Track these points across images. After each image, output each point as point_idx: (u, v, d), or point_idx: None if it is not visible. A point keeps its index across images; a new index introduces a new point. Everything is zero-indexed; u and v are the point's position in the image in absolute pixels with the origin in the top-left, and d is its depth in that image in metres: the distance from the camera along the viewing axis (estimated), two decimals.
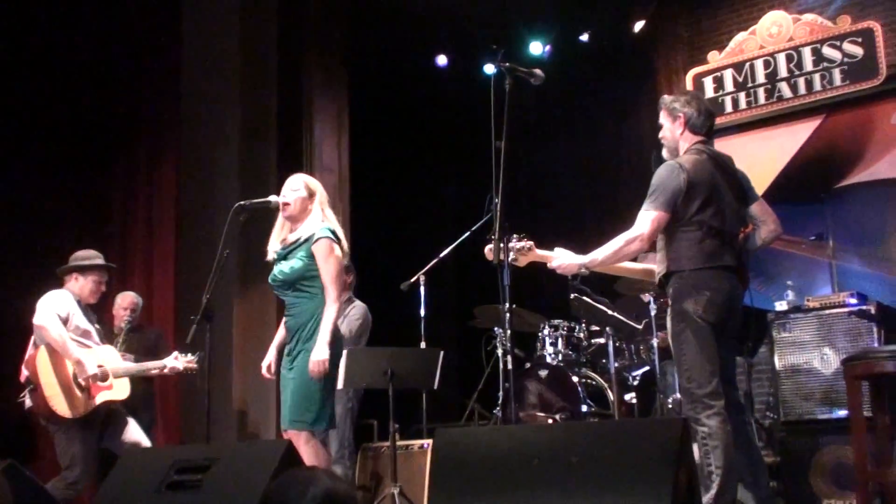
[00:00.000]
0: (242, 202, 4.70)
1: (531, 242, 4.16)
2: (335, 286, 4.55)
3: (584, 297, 5.91)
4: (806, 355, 5.54)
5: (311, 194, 4.71)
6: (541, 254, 4.19)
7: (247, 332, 7.21)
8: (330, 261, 4.54)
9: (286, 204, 4.66)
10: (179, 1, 7.81)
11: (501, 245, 3.88)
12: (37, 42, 7.55)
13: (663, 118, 4.39)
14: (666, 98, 4.49)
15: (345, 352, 5.35)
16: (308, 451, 4.38)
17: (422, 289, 6.18)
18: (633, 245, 4.11)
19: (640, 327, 5.99)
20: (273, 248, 4.74)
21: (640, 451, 2.81)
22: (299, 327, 4.55)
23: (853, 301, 5.45)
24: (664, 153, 4.45)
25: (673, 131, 4.34)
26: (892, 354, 4.46)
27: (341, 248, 4.66)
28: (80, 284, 5.52)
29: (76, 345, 5.30)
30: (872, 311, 5.36)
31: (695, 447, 4.05)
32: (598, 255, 4.17)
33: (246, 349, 7.12)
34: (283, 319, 4.72)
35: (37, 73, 7.49)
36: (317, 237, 4.57)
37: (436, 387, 5.55)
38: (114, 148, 7.80)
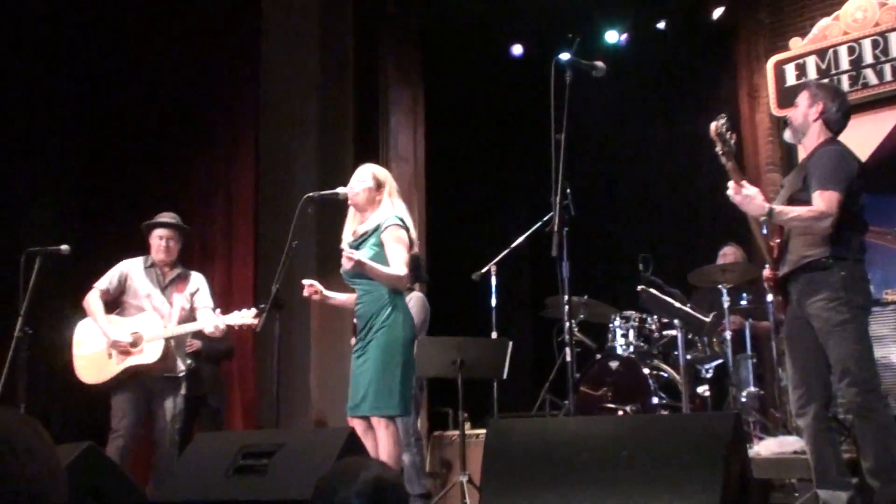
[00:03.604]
0: (311, 194, 4.80)
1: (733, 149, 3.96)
2: (404, 265, 4.59)
3: (651, 290, 5.86)
4: (884, 350, 5.40)
5: (380, 185, 4.76)
6: (736, 170, 4.01)
7: (325, 321, 7.34)
8: (398, 245, 4.59)
9: (355, 195, 4.74)
10: None
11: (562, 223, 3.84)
12: (124, 39, 7.85)
13: (802, 98, 4.29)
14: (812, 80, 4.43)
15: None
16: (388, 437, 4.44)
17: (493, 279, 6.22)
18: (823, 223, 3.95)
19: (707, 320, 5.91)
20: (346, 238, 4.82)
21: (692, 446, 2.80)
22: (371, 316, 4.61)
23: None
24: (786, 133, 4.39)
25: (807, 115, 4.25)
26: None
27: (409, 235, 4.73)
28: (149, 243, 5.78)
29: (104, 316, 5.58)
30: None
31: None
32: (786, 213, 4.00)
33: (324, 338, 7.25)
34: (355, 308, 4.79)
35: (117, 65, 7.80)
36: (385, 225, 4.63)
37: (505, 377, 5.59)
38: (193, 140, 8.03)
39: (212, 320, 5.52)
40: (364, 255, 4.54)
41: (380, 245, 4.62)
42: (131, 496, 4.01)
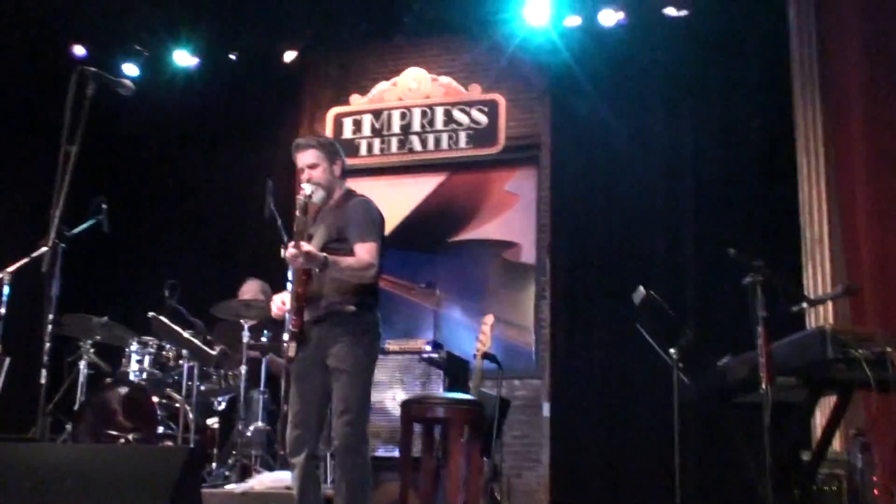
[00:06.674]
0: None
1: None
2: None
3: (161, 318, 5.80)
4: (380, 395, 5.81)
5: None
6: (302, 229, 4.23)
7: None
8: None
9: None
10: None
11: None
12: None
13: (317, 158, 4.41)
14: (322, 139, 4.66)
15: None
16: None
17: (5, 289, 5.78)
18: (369, 272, 4.24)
19: (214, 353, 5.97)
20: None
21: (139, 479, 2.78)
22: None
23: (428, 348, 5.81)
24: (318, 193, 4.39)
25: (332, 173, 4.43)
26: (444, 401, 4.80)
27: None
28: None
29: None
30: (441, 359, 5.75)
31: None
32: (340, 263, 4.18)
33: None
34: None
35: None
36: None
37: None
38: None
39: None
40: None
41: None
42: None
